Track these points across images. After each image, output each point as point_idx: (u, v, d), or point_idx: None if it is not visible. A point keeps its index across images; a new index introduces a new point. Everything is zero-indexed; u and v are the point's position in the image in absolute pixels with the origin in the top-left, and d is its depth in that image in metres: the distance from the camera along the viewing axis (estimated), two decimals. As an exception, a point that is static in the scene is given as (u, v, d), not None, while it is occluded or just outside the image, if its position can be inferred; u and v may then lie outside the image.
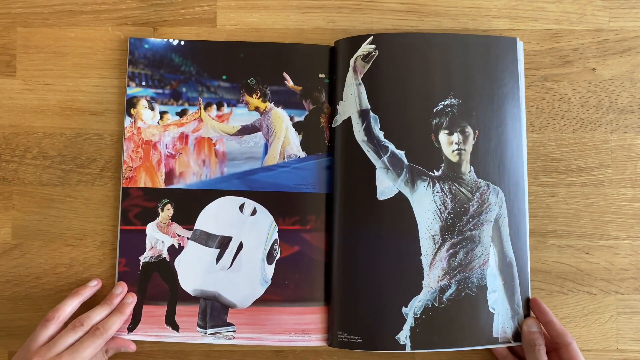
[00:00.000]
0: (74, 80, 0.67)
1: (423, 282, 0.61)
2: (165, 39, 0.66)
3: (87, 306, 0.62)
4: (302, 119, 0.66)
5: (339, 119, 0.64)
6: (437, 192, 0.62)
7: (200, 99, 0.66)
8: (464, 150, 0.63)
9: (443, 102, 0.63)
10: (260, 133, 0.66)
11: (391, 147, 0.62)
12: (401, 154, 0.62)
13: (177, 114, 0.66)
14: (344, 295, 0.62)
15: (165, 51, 0.66)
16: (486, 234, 0.62)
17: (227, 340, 0.63)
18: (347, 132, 0.63)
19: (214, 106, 0.66)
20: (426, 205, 0.62)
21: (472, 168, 0.62)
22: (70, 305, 0.61)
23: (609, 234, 0.66)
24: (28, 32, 0.67)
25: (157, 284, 0.64)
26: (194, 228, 0.64)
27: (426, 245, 0.62)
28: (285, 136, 0.65)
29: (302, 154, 0.65)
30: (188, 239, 0.65)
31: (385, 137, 0.62)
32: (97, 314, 0.61)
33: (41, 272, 0.65)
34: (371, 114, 0.63)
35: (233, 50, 0.66)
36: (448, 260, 0.62)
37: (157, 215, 0.65)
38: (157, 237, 0.65)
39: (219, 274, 0.64)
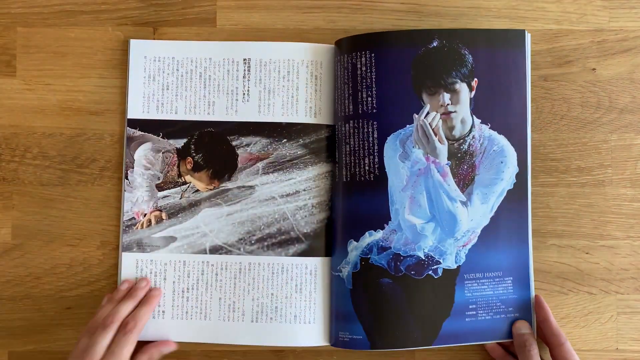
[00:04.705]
0: (74, 80, 0.67)
1: None
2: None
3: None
4: None
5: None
6: None
7: None
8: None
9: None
10: None
11: None
12: None
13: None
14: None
15: None
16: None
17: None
18: None
19: None
20: None
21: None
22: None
23: (609, 234, 0.66)
24: (28, 32, 0.67)
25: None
26: None
27: None
28: None
29: None
30: None
31: None
32: (125, 309, 0.60)
33: (41, 272, 0.65)
34: None
35: None
36: None
37: None
38: None
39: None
